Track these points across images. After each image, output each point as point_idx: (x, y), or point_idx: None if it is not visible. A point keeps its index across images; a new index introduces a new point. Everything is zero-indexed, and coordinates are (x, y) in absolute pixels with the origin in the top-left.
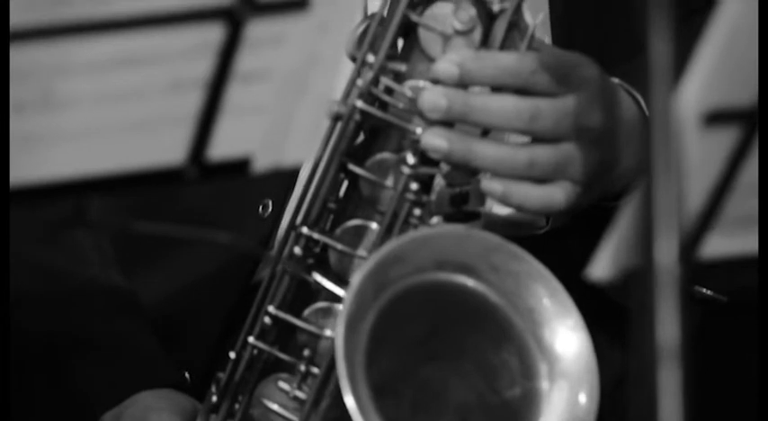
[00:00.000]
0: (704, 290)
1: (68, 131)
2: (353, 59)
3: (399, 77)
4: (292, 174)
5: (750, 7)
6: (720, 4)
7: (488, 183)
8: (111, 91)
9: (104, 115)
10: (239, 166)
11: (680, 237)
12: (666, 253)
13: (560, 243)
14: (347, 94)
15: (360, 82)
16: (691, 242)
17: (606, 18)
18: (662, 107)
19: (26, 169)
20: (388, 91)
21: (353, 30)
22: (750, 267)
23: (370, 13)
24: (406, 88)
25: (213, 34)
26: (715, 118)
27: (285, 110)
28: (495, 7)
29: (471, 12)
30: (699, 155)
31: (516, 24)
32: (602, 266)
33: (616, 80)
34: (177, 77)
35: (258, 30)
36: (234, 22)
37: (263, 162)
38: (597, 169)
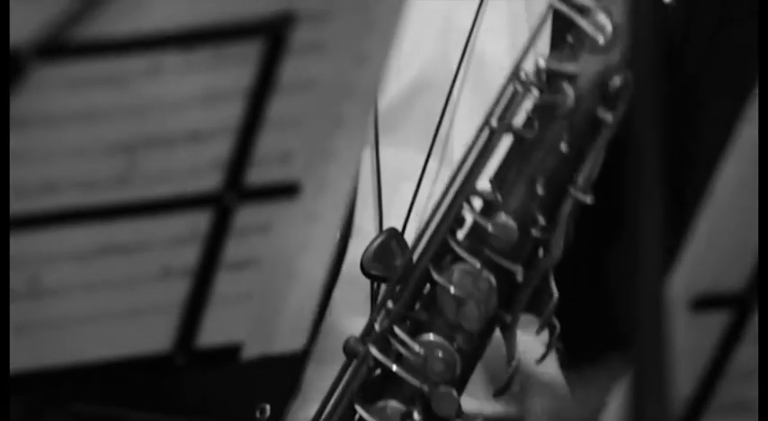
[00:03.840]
0: None
1: (55, 320)
2: (367, 275)
3: (418, 326)
4: (290, 375)
5: (741, 192)
6: (711, 186)
7: None
8: (99, 279)
9: (92, 303)
10: (229, 354)
11: None
12: None
13: None
14: (365, 334)
15: (377, 327)
16: None
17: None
18: (650, 292)
19: (13, 358)
20: (404, 342)
21: (369, 243)
22: None
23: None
24: (420, 344)
25: (201, 222)
26: (703, 303)
27: (273, 297)
28: (519, 277)
29: (492, 281)
30: (687, 340)
31: (542, 291)
32: None
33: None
34: (165, 265)
35: (246, 217)
36: (222, 209)
37: (252, 350)
38: None
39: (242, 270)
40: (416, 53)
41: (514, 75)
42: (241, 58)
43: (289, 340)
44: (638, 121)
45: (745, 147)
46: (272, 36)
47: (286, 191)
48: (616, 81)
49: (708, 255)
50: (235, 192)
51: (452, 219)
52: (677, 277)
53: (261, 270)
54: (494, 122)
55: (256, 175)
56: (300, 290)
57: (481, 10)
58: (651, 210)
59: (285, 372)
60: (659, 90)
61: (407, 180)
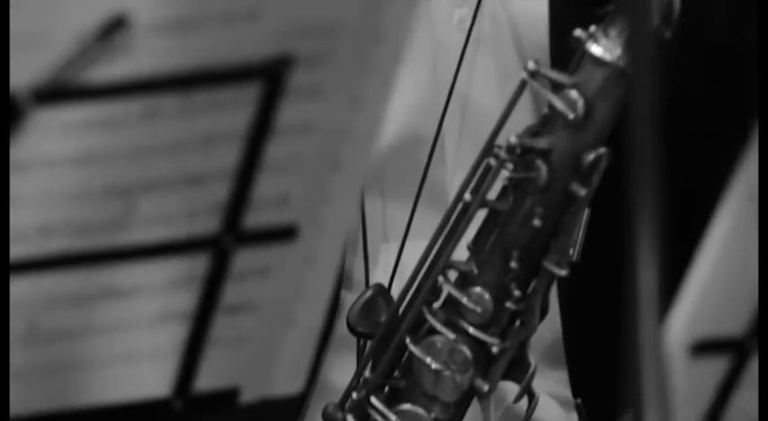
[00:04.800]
0: None
1: (53, 365)
2: (353, 332)
3: (396, 395)
4: (288, 419)
5: (740, 235)
6: (709, 232)
7: None
8: (96, 323)
9: (89, 348)
10: (226, 398)
11: None
12: None
13: None
14: (343, 401)
15: (355, 395)
16: None
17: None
18: (650, 338)
19: (11, 403)
20: (381, 412)
21: (356, 300)
22: None
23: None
24: (397, 414)
25: (198, 265)
26: (702, 348)
27: (271, 341)
28: (495, 349)
29: (467, 353)
30: (686, 386)
31: (520, 360)
32: None
33: None
34: (163, 309)
35: (244, 260)
36: (220, 252)
37: (250, 394)
38: None
39: (240, 313)
40: (403, 103)
41: (488, 149)
42: (238, 101)
43: (286, 384)
44: (636, 162)
45: (745, 189)
46: (270, 79)
47: (284, 234)
48: (589, 156)
49: (707, 299)
50: (232, 236)
51: (428, 290)
52: (676, 321)
53: (259, 313)
54: (467, 196)
55: (254, 219)
56: (298, 333)
57: (466, 57)
58: (650, 253)
59: (283, 417)
60: (657, 126)
61: (395, 233)
